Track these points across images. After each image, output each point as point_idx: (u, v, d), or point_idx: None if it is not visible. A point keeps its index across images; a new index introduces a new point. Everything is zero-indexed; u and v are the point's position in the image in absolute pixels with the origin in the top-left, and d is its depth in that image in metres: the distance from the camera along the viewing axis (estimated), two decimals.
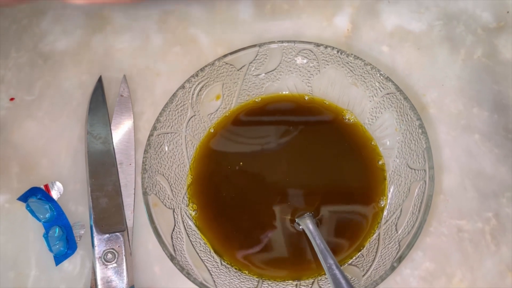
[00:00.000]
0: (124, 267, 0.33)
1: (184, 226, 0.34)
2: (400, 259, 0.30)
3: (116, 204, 0.36)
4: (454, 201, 0.36)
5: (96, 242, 0.34)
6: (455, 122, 0.39)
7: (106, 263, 0.33)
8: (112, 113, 0.40)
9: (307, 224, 0.33)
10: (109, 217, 0.35)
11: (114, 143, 0.38)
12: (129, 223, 0.36)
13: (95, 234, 0.34)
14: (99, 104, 0.40)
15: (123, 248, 0.34)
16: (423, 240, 0.35)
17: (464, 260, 0.35)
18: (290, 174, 0.36)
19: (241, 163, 0.37)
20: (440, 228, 0.36)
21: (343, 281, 0.29)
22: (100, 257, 0.33)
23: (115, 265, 0.33)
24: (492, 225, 0.36)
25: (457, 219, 0.36)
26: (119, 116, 0.40)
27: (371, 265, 0.31)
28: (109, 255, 0.33)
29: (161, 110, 0.35)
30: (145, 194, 0.33)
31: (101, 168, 0.37)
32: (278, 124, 0.39)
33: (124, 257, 0.34)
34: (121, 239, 0.34)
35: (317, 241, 0.32)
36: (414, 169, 0.33)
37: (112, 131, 0.39)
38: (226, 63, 0.37)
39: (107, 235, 0.34)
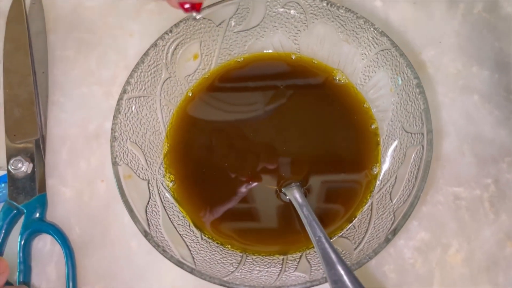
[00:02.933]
0: (35, 174, 0.34)
1: (160, 198, 0.32)
2: (395, 231, 0.27)
3: (31, 113, 0.35)
4: (451, 167, 0.34)
5: (7, 151, 0.34)
6: (453, 82, 0.37)
7: (15, 170, 0.34)
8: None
9: (294, 194, 0.31)
10: (21, 126, 0.35)
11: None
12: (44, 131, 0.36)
13: (7, 143, 0.34)
14: (18, 15, 0.38)
15: (34, 155, 0.34)
16: (419, 209, 0.33)
17: (461, 230, 0.33)
18: (275, 141, 0.34)
19: (222, 129, 0.34)
20: (436, 196, 0.34)
21: (333, 255, 0.27)
22: (10, 164, 0.34)
23: (26, 172, 0.34)
24: (491, 192, 0.34)
25: (454, 186, 0.34)
26: (31, 23, 0.38)
27: (363, 237, 0.29)
28: (19, 164, 0.34)
29: (131, 71, 0.32)
30: (114, 164, 0.30)
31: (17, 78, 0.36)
32: (262, 86, 0.36)
33: (34, 164, 0.34)
34: (33, 146, 0.34)
35: (305, 212, 0.29)
36: (411, 133, 0.31)
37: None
38: (204, 18, 0.34)
39: (19, 143, 0.35)
